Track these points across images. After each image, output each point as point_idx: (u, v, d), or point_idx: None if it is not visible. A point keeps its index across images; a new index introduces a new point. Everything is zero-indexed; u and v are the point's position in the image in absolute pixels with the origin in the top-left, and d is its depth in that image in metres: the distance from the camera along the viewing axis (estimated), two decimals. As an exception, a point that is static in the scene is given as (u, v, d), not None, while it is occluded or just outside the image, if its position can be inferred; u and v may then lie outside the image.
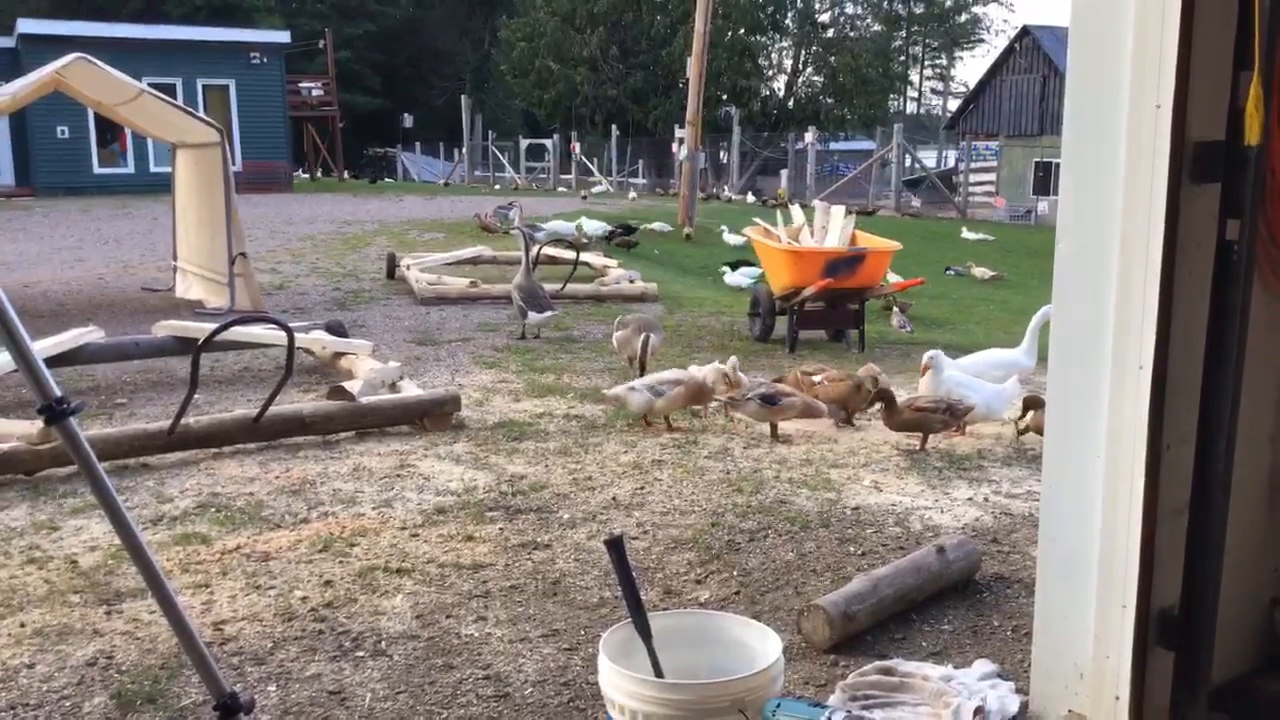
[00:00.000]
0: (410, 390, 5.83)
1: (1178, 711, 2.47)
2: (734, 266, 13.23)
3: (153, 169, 25.64)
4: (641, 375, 6.44)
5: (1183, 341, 2.32)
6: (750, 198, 30.18)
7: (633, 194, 30.73)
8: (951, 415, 5.13)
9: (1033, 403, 5.32)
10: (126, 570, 3.64)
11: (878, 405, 5.29)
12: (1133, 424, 2.33)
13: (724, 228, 17.97)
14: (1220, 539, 2.38)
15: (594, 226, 16.38)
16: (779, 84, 46.37)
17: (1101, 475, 2.40)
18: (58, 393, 1.93)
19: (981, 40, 59.93)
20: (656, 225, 18.41)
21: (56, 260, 13.11)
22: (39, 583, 3.59)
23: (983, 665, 2.93)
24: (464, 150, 41.11)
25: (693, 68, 19.26)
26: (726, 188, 32.73)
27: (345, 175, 38.03)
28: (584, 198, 28.38)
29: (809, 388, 5.66)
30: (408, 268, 11.11)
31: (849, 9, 49.38)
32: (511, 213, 17.05)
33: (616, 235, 16.24)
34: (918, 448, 5.21)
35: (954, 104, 53.22)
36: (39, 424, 4.65)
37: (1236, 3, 2.21)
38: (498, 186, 33.83)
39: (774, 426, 5.46)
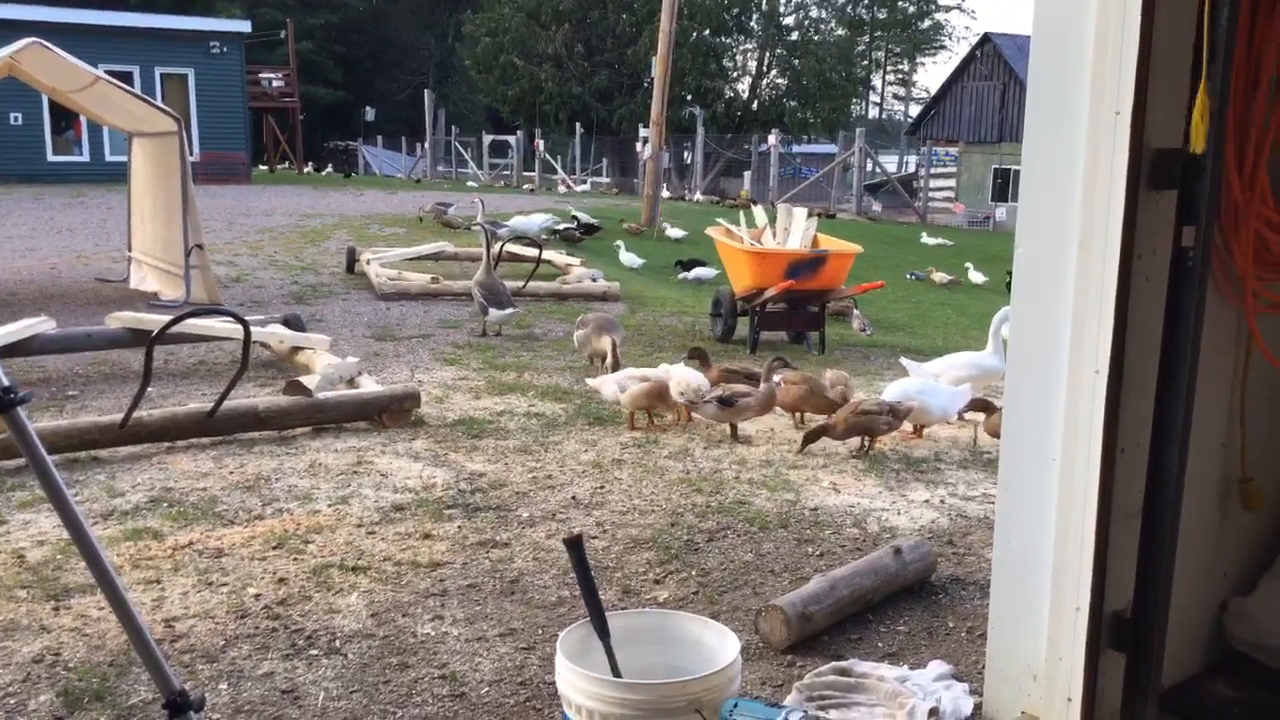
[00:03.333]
0: (369, 386, 5.78)
1: (1129, 713, 2.50)
2: (687, 267, 13.85)
3: (108, 158, 25.23)
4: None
5: (1138, 346, 2.35)
6: (698, 197, 30.37)
7: (562, 189, 30.96)
8: (895, 417, 5.17)
9: (982, 405, 5.38)
10: (75, 565, 3.57)
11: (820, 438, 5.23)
12: (1088, 427, 2.35)
13: (665, 224, 19.08)
14: (1172, 543, 2.41)
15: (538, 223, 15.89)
16: (743, 86, 46.57)
17: (1056, 478, 2.43)
18: (5, 382, 1.88)
19: (943, 47, 60.66)
20: (584, 217, 18.39)
21: (8, 249, 12.86)
22: (-16, 577, 3.52)
23: (937, 666, 2.95)
24: (427, 145, 40.87)
25: (658, 67, 19.29)
26: (677, 189, 32.73)
27: (332, 169, 37.74)
28: (531, 192, 29.20)
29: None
30: (368, 262, 11.02)
31: (813, 13, 49.70)
32: (452, 209, 17.00)
33: (573, 231, 16.23)
34: (859, 449, 5.23)
35: (915, 109, 53.69)
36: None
37: (1196, 12, 2.24)
38: (472, 184, 33.58)
39: (733, 427, 5.48)
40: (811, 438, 5.15)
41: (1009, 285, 11.39)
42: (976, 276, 16.62)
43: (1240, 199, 2.45)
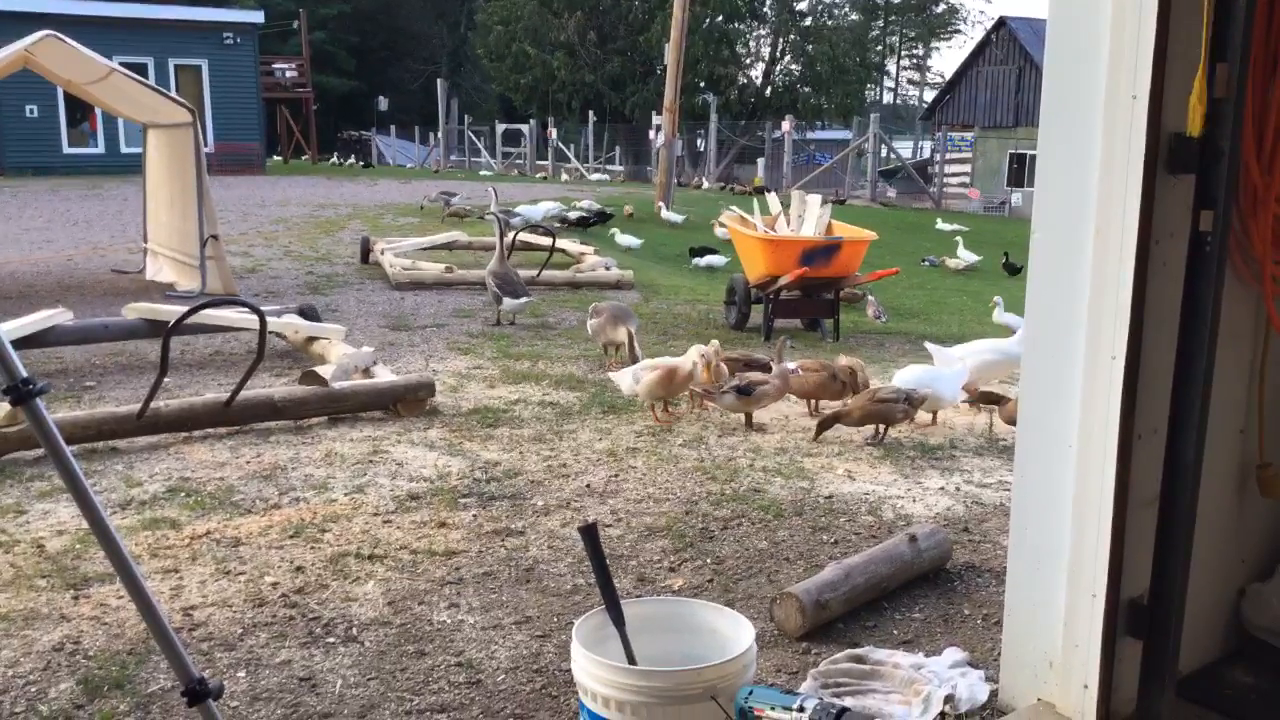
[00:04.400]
0: (384, 375, 5.80)
1: (1146, 700, 2.49)
2: (698, 254, 14.16)
3: (123, 149, 25.39)
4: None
5: (1155, 332, 2.33)
6: (703, 183, 30.43)
7: (564, 176, 31.27)
8: (910, 404, 5.17)
9: (994, 398, 5.36)
10: (94, 555, 3.60)
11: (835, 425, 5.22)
12: (1105, 414, 2.34)
13: (660, 204, 19.53)
14: (1189, 529, 2.40)
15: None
16: (756, 72, 46.34)
17: (1073, 465, 2.42)
18: (23, 373, 1.89)
19: (958, 31, 60.25)
20: (586, 203, 18.48)
21: (25, 241, 12.94)
22: (5, 567, 3.55)
23: (953, 653, 2.95)
24: (440, 135, 40.88)
25: (670, 54, 19.22)
26: (690, 177, 32.70)
27: (355, 159, 37.94)
28: (544, 179, 30.05)
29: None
30: (382, 252, 11.04)
31: (827, -3, 49.39)
32: (457, 199, 17.01)
33: (584, 216, 16.31)
34: (873, 437, 5.21)
35: (930, 94, 53.42)
36: (4, 406, 4.61)
37: (1213, -5, 2.22)
38: (485, 174, 33.61)
39: (749, 416, 5.47)
40: (826, 425, 5.14)
41: (1006, 265, 11.53)
42: (967, 255, 16.94)
43: (1259, 183, 2.42)
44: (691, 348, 5.60)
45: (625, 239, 14.88)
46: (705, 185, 30.31)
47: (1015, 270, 15.83)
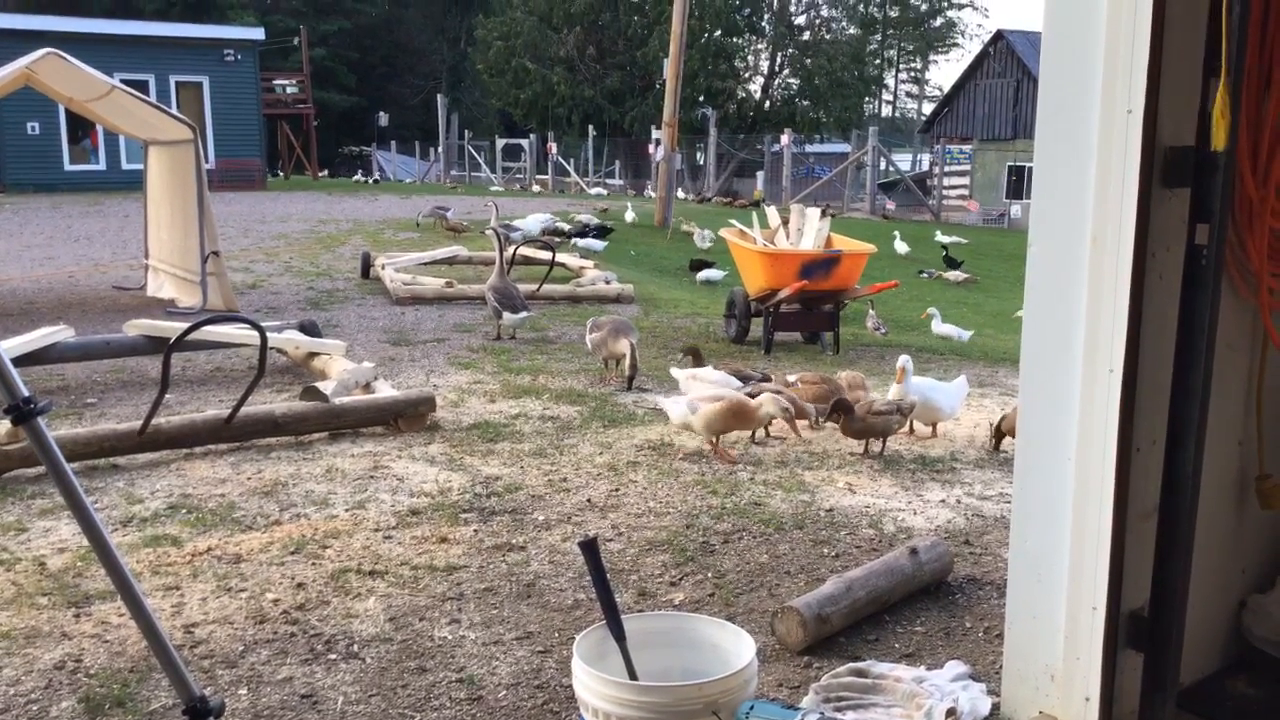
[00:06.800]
0: (384, 391, 5.80)
1: (1147, 712, 2.49)
2: (696, 268, 14.52)
3: (124, 166, 25.44)
4: (629, 386, 6.43)
5: (1153, 345, 2.34)
6: (680, 195, 30.67)
7: (536, 188, 31.75)
8: (902, 416, 5.19)
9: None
10: (95, 572, 3.60)
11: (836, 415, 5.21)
12: (1103, 427, 2.35)
13: (627, 204, 20.60)
14: (1189, 541, 2.40)
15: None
16: (755, 86, 46.52)
17: (1072, 478, 2.42)
18: (25, 392, 1.90)
19: (956, 44, 60.47)
20: (584, 217, 18.67)
21: (26, 258, 12.96)
22: (6, 585, 3.55)
23: (955, 666, 2.94)
24: (440, 150, 40.99)
25: (669, 69, 19.30)
26: (689, 190, 32.82)
27: (376, 177, 38.28)
28: (538, 194, 30.77)
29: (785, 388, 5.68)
30: (383, 267, 11.06)
31: (824, 11, 49.55)
32: (450, 213, 17.07)
33: (589, 232, 16.37)
34: (868, 451, 5.21)
35: (928, 107, 53.55)
36: (6, 424, 4.62)
37: (1206, 9, 2.23)
38: (496, 189, 33.78)
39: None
40: (836, 409, 5.13)
41: (945, 259, 11.83)
42: (901, 247, 18.23)
43: (1254, 195, 2.44)
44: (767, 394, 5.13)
45: (586, 242, 15.36)
46: (682, 196, 30.58)
47: (955, 264, 17.55)
